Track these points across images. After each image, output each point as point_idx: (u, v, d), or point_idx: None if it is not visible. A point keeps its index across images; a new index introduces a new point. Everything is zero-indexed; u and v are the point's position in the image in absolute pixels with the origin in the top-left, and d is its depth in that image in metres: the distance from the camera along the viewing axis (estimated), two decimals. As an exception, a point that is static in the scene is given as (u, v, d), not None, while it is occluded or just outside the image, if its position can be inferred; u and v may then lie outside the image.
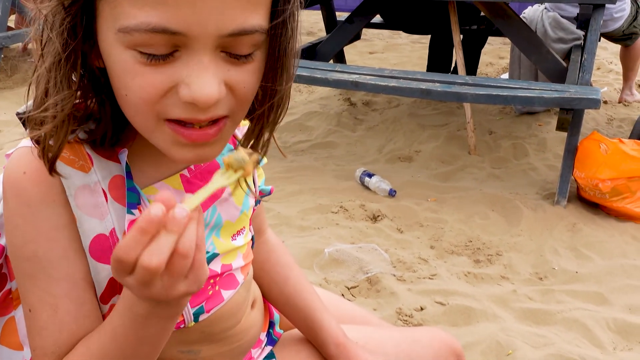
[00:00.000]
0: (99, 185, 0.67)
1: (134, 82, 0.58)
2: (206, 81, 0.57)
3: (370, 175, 2.74)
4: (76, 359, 0.66)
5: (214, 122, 0.62)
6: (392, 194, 2.66)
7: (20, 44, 5.40)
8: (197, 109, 0.58)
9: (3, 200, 0.68)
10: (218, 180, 0.61)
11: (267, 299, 0.97)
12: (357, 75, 2.75)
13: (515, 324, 1.82)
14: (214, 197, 0.77)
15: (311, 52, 3.55)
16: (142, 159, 0.71)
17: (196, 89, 0.57)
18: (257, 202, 0.89)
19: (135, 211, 0.69)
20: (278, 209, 2.53)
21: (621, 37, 3.61)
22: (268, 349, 0.94)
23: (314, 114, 3.77)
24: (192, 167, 0.75)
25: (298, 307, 0.95)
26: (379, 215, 2.48)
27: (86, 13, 0.59)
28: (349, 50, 4.88)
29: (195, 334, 0.79)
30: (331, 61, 3.77)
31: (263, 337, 0.94)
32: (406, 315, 1.85)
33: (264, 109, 0.66)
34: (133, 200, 0.68)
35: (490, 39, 4.50)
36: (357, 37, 4.10)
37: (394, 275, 2.06)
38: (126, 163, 0.68)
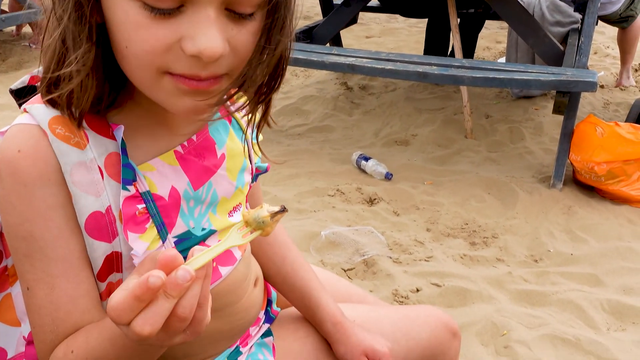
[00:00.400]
0: (95, 162, 0.67)
1: (137, 34, 0.58)
2: (212, 35, 0.57)
3: (366, 159, 2.74)
4: (76, 346, 0.66)
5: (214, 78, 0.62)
6: (388, 177, 2.66)
7: (13, 28, 5.36)
8: (200, 64, 0.58)
9: None
10: (233, 239, 0.61)
11: (265, 277, 0.98)
12: (354, 58, 2.74)
13: (510, 305, 1.84)
14: (208, 171, 0.76)
15: (308, 36, 3.53)
16: (137, 135, 0.70)
17: (202, 42, 0.57)
18: (254, 179, 0.89)
19: (131, 187, 0.68)
20: (275, 192, 2.53)
21: (618, 20, 3.61)
22: (266, 326, 0.94)
23: (310, 98, 3.75)
24: (185, 143, 0.74)
25: (295, 286, 0.95)
26: (375, 199, 2.49)
27: None
28: (346, 35, 4.85)
29: None
30: (328, 45, 3.76)
31: (261, 315, 0.94)
32: (402, 297, 1.86)
33: (263, 74, 0.65)
34: (128, 177, 0.68)
35: (487, 23, 4.49)
36: (354, 20, 4.08)
37: (390, 258, 2.07)
38: (122, 139, 0.68)
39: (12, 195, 0.65)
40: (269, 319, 0.96)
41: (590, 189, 2.53)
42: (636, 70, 4.14)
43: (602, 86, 3.84)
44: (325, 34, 3.54)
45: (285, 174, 2.71)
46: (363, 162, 2.74)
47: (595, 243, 2.20)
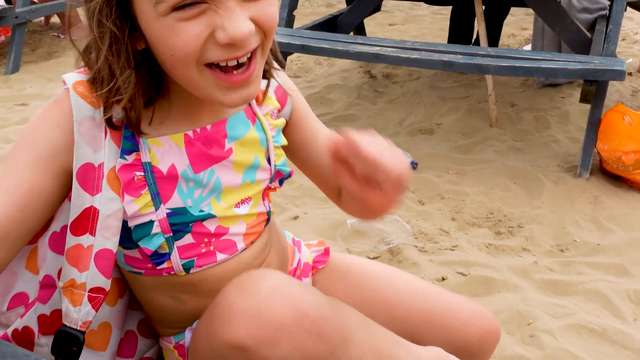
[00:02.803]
0: (103, 123, 0.75)
1: (178, 39, 0.68)
2: (237, 21, 0.67)
3: (391, 148, 2.75)
4: None
5: (248, 58, 0.72)
6: (413, 166, 2.67)
7: (42, 18, 5.44)
8: (235, 47, 0.68)
9: None
10: None
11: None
12: (379, 48, 2.75)
13: (535, 295, 1.85)
14: (212, 159, 0.82)
15: (331, 25, 3.54)
16: (157, 116, 0.78)
17: (232, 30, 0.67)
18: (280, 181, 0.92)
19: (129, 157, 0.77)
20: (301, 180, 2.56)
21: (648, 7, 3.55)
22: None
23: (334, 86, 3.77)
24: (197, 129, 0.80)
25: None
26: (400, 188, 2.50)
27: (122, 3, 0.70)
28: (369, 22, 4.84)
29: (186, 285, 0.84)
30: (351, 33, 3.76)
31: None
32: (427, 286, 1.88)
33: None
34: (126, 147, 0.77)
35: (512, 9, 4.44)
36: (378, 8, 4.07)
37: (416, 247, 2.09)
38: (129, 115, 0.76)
39: (35, 119, 0.77)
40: None
41: (617, 179, 2.52)
42: (665, 57, 4.08)
43: (630, 73, 3.78)
44: (349, 22, 3.54)
45: (310, 163, 2.74)
46: (388, 151, 2.75)
47: (622, 233, 2.19)
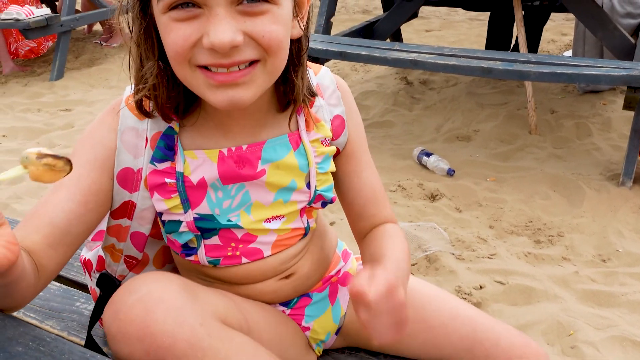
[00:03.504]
0: (145, 133, 0.82)
1: (170, 37, 0.72)
2: (220, 30, 0.69)
3: (428, 155, 2.74)
4: None
5: (246, 66, 0.73)
6: (450, 173, 2.65)
7: (85, 26, 5.60)
8: (220, 54, 0.70)
9: None
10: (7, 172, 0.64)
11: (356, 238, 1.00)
12: (416, 54, 2.74)
13: (577, 305, 1.81)
14: (241, 177, 0.84)
15: (368, 31, 3.55)
16: (195, 130, 0.84)
17: (213, 37, 0.69)
18: (323, 203, 0.91)
19: (160, 165, 0.82)
20: (336, 187, 2.57)
21: (695, 11, 3.45)
22: None
23: (370, 93, 3.77)
24: (233, 148, 0.84)
25: (375, 254, 0.92)
26: (437, 195, 2.49)
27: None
28: (405, 29, 4.83)
29: (212, 273, 0.90)
30: (388, 40, 3.76)
31: (279, 307, 0.96)
32: (465, 294, 1.86)
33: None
34: (158, 156, 0.82)
35: (552, 14, 4.37)
36: (415, 15, 4.07)
37: (453, 254, 2.07)
38: (170, 127, 0.82)
39: (94, 123, 0.85)
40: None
41: (662, 188, 2.45)
42: None
43: (675, 80, 3.68)
44: (386, 29, 3.54)
45: (346, 169, 2.74)
46: (425, 157, 2.74)
47: (668, 243, 2.13)
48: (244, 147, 0.84)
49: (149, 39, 0.76)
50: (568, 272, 1.99)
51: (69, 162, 0.63)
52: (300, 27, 0.79)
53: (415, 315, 0.95)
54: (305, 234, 0.91)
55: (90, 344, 0.97)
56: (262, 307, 0.92)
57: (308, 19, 0.82)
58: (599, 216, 2.31)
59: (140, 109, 0.81)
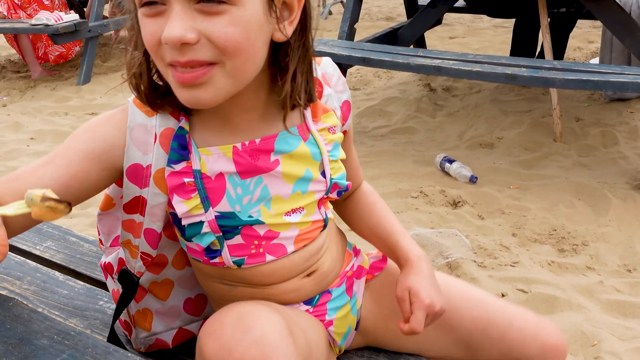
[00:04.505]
0: (154, 130, 0.83)
1: (143, 32, 0.74)
2: (173, 25, 0.70)
3: (450, 161, 2.73)
4: None
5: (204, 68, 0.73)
6: (473, 180, 2.64)
7: (112, 32, 5.69)
8: (177, 52, 0.71)
9: None
10: (5, 207, 0.70)
11: (356, 230, 1.06)
12: (440, 60, 2.73)
13: (601, 315, 1.78)
14: (258, 169, 0.85)
15: (392, 38, 3.55)
16: (207, 128, 0.85)
17: (165, 32, 0.70)
18: (338, 192, 0.93)
19: (177, 166, 0.83)
20: (358, 192, 2.57)
21: None
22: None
23: (393, 99, 3.77)
24: (246, 142, 0.84)
25: (380, 235, 1.01)
26: (459, 201, 2.47)
27: None
28: (429, 35, 4.82)
29: (236, 275, 0.90)
30: (411, 46, 3.75)
31: (302, 306, 0.97)
32: (487, 302, 1.84)
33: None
34: (174, 158, 0.83)
35: (578, 22, 4.32)
36: (439, 21, 4.05)
37: (475, 262, 2.05)
38: (180, 127, 0.83)
39: (99, 118, 0.87)
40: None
41: (691, 197, 2.40)
42: None
43: None
44: (410, 35, 3.54)
45: (368, 175, 2.74)
46: (447, 164, 2.72)
47: (696, 254, 2.08)
48: (257, 140, 0.84)
49: (137, 31, 0.79)
50: (592, 281, 1.96)
51: (69, 205, 0.69)
52: (284, 32, 0.76)
53: None
54: (324, 226, 0.93)
55: (113, 339, 0.98)
56: (297, 313, 0.93)
57: (306, 24, 0.80)
58: (624, 225, 2.27)
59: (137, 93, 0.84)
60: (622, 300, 1.85)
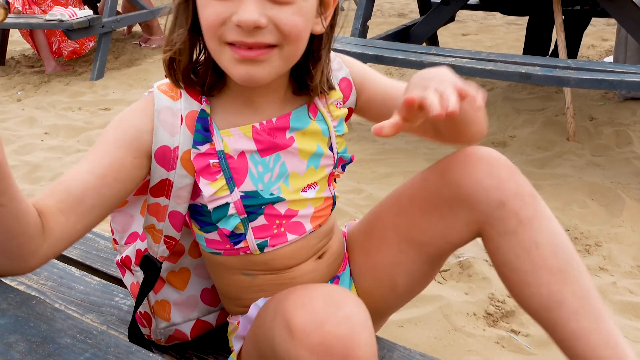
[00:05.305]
0: (180, 112, 0.87)
1: (206, 11, 0.80)
2: (248, 9, 0.76)
3: (463, 160, 2.71)
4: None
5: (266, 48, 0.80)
6: (485, 179, 2.62)
7: (125, 28, 5.72)
8: (244, 32, 0.77)
9: None
10: None
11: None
12: (453, 58, 2.73)
13: (614, 317, 1.77)
14: (277, 146, 0.91)
15: (404, 35, 3.54)
16: (227, 110, 0.90)
17: (241, 14, 0.77)
18: (343, 166, 1.00)
19: (202, 147, 0.87)
20: (370, 190, 2.57)
21: None
22: None
23: (405, 96, 3.75)
24: (264, 122, 0.90)
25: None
26: (471, 200, 2.46)
27: None
28: (442, 32, 4.80)
29: (259, 262, 0.94)
30: (424, 44, 3.74)
31: None
32: (499, 301, 1.84)
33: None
34: (199, 139, 0.87)
35: (593, 19, 4.29)
36: (452, 19, 4.04)
37: (486, 261, 2.05)
38: (202, 110, 0.87)
39: (127, 110, 0.90)
40: None
41: None
42: None
43: None
44: (422, 33, 3.53)
45: (380, 173, 2.75)
46: (459, 163, 2.71)
47: None
48: (274, 119, 0.91)
49: (187, 10, 0.84)
50: (605, 282, 1.95)
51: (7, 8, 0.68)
52: (323, 25, 0.86)
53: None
54: (333, 205, 1.00)
55: (134, 329, 1.01)
56: None
57: (335, 21, 0.90)
58: (638, 226, 2.26)
59: (170, 70, 0.88)
60: (635, 302, 1.84)
